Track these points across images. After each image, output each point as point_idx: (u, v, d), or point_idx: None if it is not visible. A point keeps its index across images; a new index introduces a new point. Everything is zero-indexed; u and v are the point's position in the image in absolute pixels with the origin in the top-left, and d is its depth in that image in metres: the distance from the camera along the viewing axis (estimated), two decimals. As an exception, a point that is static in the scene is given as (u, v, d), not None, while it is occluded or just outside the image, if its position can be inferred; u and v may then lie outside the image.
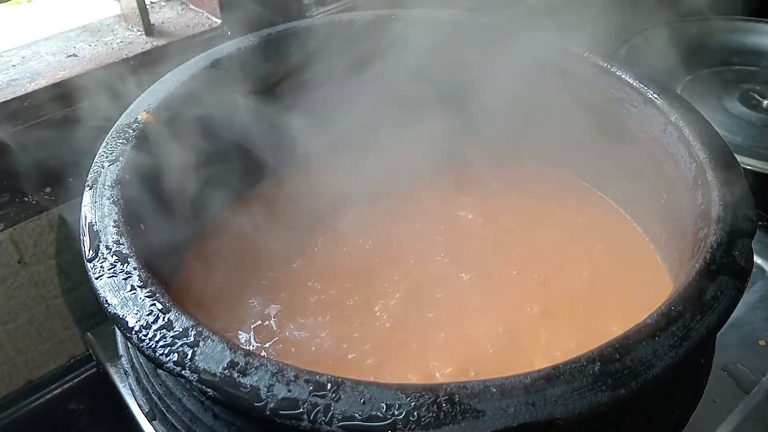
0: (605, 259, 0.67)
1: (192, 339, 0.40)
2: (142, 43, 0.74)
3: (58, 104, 0.67)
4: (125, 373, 0.54)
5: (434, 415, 0.36)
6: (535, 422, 0.36)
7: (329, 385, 0.37)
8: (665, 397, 0.48)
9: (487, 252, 0.67)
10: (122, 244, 0.47)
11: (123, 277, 0.45)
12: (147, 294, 0.43)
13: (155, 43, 0.74)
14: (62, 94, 0.68)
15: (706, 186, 0.53)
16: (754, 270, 0.53)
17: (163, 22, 0.77)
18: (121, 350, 0.56)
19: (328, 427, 0.36)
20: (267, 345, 0.59)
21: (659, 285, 0.64)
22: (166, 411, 0.48)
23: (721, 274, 0.45)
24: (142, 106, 0.60)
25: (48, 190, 0.70)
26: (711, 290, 0.44)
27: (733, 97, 1.07)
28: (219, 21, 0.77)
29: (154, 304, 0.43)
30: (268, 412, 0.37)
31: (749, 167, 0.88)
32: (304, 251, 0.68)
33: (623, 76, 0.65)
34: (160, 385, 0.49)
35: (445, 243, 0.68)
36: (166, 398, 0.48)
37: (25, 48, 0.73)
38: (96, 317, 0.76)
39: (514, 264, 0.66)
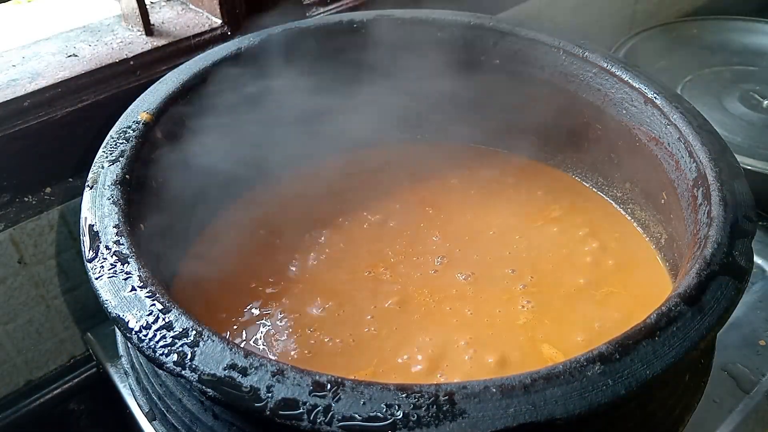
0: (605, 259, 0.67)
1: (192, 339, 0.40)
2: (142, 43, 0.74)
3: (58, 104, 0.67)
4: (125, 373, 0.54)
5: (434, 415, 0.36)
6: (535, 422, 0.36)
7: (329, 385, 0.37)
8: (665, 397, 0.48)
9: (483, 252, 0.67)
10: (122, 244, 0.47)
11: (123, 277, 0.45)
12: (147, 294, 0.43)
13: (155, 43, 0.74)
14: (62, 94, 0.68)
15: (706, 186, 0.53)
16: (754, 270, 0.53)
17: (163, 22, 0.77)
18: (121, 350, 0.56)
19: (328, 428, 0.36)
20: (267, 345, 0.59)
21: (659, 285, 0.64)
22: (166, 411, 0.48)
23: (721, 274, 0.45)
24: (142, 106, 0.60)
25: (48, 190, 0.70)
26: (711, 290, 0.44)
27: (733, 97, 1.08)
28: (219, 21, 0.77)
29: (154, 304, 0.43)
30: (268, 413, 0.37)
31: (749, 167, 0.88)
32: (303, 251, 0.68)
33: (623, 76, 0.65)
34: (160, 385, 0.49)
35: (442, 243, 0.68)
36: (166, 398, 0.48)
37: (25, 48, 0.73)
38: (96, 317, 0.76)
39: (509, 264, 0.66)
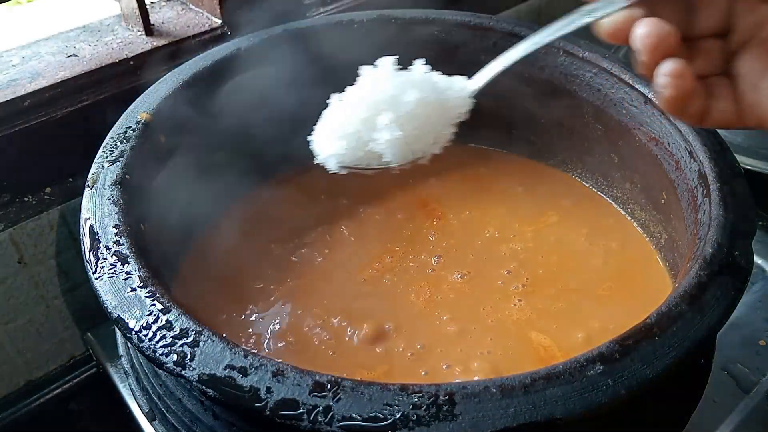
0: (605, 260, 0.67)
1: (192, 339, 0.40)
2: (142, 43, 0.74)
3: (58, 104, 0.67)
4: (125, 373, 0.54)
5: (434, 415, 0.36)
6: (535, 422, 0.36)
7: (329, 385, 0.37)
8: (665, 397, 0.48)
9: (480, 252, 0.67)
10: (122, 245, 0.47)
11: (123, 277, 0.45)
12: (147, 294, 0.43)
13: (155, 43, 0.74)
14: (62, 94, 0.68)
15: (706, 186, 0.53)
16: (754, 270, 0.53)
17: (163, 22, 0.77)
18: (121, 350, 0.56)
19: (328, 428, 0.36)
20: (267, 345, 0.59)
21: (659, 285, 0.64)
22: (166, 411, 0.48)
23: (721, 274, 0.45)
24: (142, 106, 0.60)
25: (48, 190, 0.70)
26: (711, 290, 0.44)
27: (733, 97, 1.07)
28: (219, 21, 0.77)
29: (154, 305, 0.43)
30: (268, 413, 0.37)
31: (749, 167, 0.88)
32: (302, 251, 0.68)
33: (623, 76, 0.65)
34: (160, 385, 0.49)
35: (439, 242, 0.69)
36: (166, 398, 0.48)
37: (25, 48, 0.73)
38: (96, 317, 0.76)
39: (506, 264, 0.66)
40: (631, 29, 0.35)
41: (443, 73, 0.50)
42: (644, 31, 0.34)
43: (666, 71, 0.34)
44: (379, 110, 0.46)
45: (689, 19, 0.35)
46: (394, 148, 0.47)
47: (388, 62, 0.48)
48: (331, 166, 0.49)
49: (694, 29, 0.36)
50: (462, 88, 0.48)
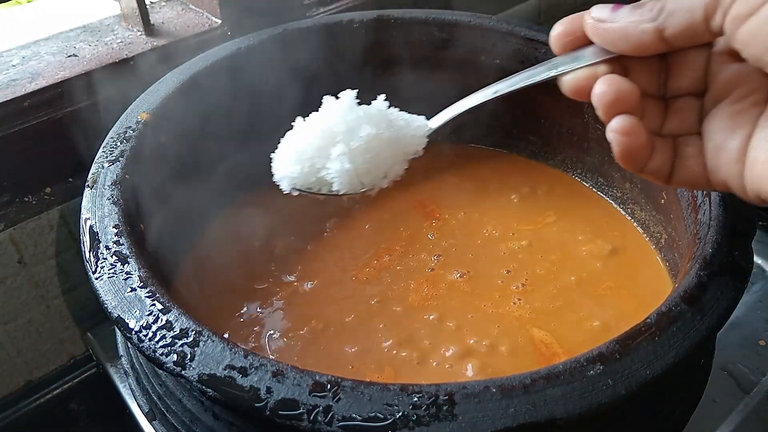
0: (604, 260, 0.67)
1: (192, 339, 0.40)
2: (142, 43, 0.74)
3: (58, 104, 0.67)
4: (125, 373, 0.54)
5: (434, 415, 0.36)
6: (535, 422, 0.36)
7: (329, 385, 0.37)
8: (665, 397, 0.48)
9: (480, 251, 0.67)
10: (122, 245, 0.47)
11: (123, 277, 0.45)
12: (147, 294, 0.43)
13: (155, 43, 0.74)
14: (62, 94, 0.68)
15: (706, 186, 0.53)
16: (754, 270, 0.53)
17: (163, 22, 0.77)
18: (121, 350, 0.56)
19: (328, 428, 0.36)
20: (267, 344, 0.59)
21: (659, 285, 0.64)
22: (166, 411, 0.48)
23: (721, 274, 0.45)
24: (141, 106, 0.60)
25: (48, 190, 0.70)
26: (711, 290, 0.44)
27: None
28: (219, 21, 0.77)
29: (154, 305, 0.43)
30: (268, 413, 0.37)
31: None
32: (302, 250, 0.68)
33: (623, 76, 0.65)
34: (160, 385, 0.49)
35: (438, 242, 0.69)
36: (166, 398, 0.48)
37: (25, 48, 0.73)
38: (96, 317, 0.76)
39: (506, 263, 0.66)
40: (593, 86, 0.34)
41: (402, 110, 0.51)
42: (602, 88, 0.33)
43: (613, 127, 0.33)
44: (333, 141, 0.48)
45: (665, 78, 0.35)
46: (343, 179, 0.48)
47: (349, 95, 0.49)
48: (284, 187, 0.50)
49: (670, 88, 0.35)
50: (418, 127, 0.50)
